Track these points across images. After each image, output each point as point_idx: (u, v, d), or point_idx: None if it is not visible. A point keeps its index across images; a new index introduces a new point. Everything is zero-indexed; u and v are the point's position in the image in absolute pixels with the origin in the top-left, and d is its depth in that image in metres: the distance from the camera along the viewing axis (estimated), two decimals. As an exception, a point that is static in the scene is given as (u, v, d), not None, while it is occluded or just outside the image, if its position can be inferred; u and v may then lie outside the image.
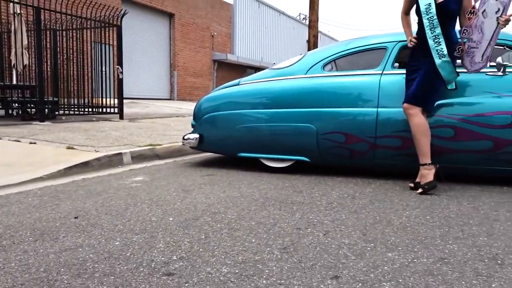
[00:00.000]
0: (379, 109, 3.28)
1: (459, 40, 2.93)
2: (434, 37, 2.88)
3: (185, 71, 17.98)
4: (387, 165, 3.43)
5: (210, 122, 3.98)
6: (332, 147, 3.46)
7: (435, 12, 2.85)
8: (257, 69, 23.30)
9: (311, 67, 3.66)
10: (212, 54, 19.62)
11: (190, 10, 17.96)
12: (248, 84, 3.97)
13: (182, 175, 3.59)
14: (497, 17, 2.71)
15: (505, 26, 2.76)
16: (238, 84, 4.07)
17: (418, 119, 2.94)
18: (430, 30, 2.88)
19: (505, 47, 3.14)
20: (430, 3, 2.88)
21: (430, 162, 2.92)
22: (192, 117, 4.30)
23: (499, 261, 1.69)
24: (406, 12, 3.17)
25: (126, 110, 9.20)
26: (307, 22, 11.67)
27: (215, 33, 19.65)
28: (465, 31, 2.87)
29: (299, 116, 3.53)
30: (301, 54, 4.04)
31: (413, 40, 3.01)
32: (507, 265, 1.65)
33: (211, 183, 3.27)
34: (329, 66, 3.67)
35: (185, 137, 4.07)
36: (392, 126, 3.23)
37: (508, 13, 2.75)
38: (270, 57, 24.47)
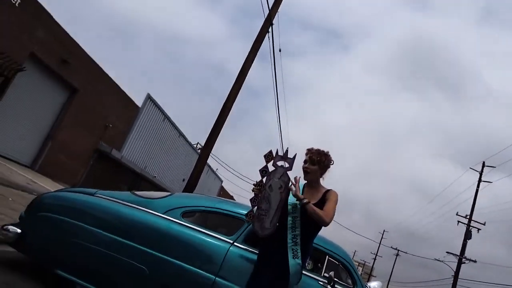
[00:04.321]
0: (217, 279, 3.20)
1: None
2: (293, 236, 2.97)
3: (60, 147, 16.61)
4: None
5: (45, 222, 3.50)
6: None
7: (299, 213, 3.00)
8: (138, 175, 22.55)
9: (171, 210, 3.55)
10: (98, 143, 18.73)
11: (95, 93, 17.51)
12: (104, 199, 3.68)
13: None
14: (280, 192, 3.07)
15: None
16: (93, 194, 3.76)
17: None
18: (291, 228, 2.99)
19: (327, 256, 3.46)
20: (297, 204, 3.03)
21: None
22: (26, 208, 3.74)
23: None
24: None
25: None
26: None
27: (111, 125, 19.14)
28: (255, 199, 3.13)
29: (138, 254, 3.27)
30: (170, 193, 3.97)
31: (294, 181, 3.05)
32: None
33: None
34: (189, 215, 3.61)
35: (4, 227, 3.46)
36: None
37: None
38: (153, 169, 24.16)
